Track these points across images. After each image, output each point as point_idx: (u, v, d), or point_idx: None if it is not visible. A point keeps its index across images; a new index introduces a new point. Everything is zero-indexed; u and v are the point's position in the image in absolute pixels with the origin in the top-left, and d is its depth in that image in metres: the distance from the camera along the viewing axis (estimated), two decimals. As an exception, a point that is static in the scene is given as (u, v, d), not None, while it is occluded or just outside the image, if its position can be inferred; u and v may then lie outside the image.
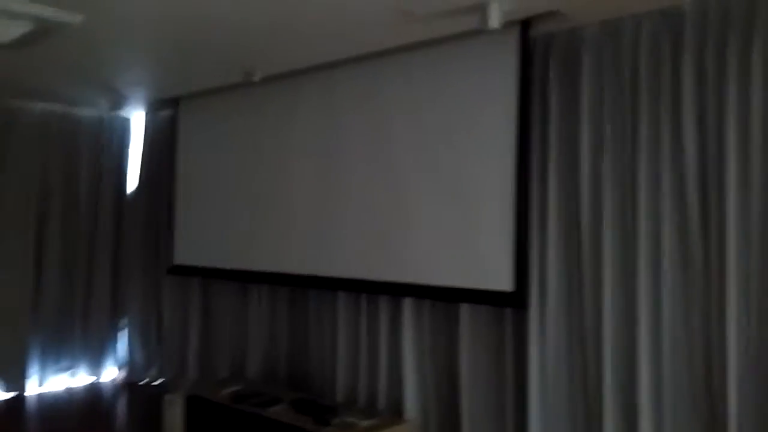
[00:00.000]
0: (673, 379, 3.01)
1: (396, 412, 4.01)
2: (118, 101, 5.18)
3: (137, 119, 6.11)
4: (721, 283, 2.87)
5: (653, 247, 3.08)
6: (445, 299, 3.74)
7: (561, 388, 3.38)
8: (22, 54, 3.92)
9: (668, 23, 3.07)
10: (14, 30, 3.50)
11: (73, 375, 5.80)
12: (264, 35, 3.58)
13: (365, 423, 3.79)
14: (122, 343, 6.03)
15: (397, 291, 3.87)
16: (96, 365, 5.95)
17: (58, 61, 4.14)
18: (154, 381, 5.83)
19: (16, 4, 3.14)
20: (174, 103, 5.45)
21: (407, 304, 3.99)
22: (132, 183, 6.11)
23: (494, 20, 3.05)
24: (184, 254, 5.31)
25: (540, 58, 3.53)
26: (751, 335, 2.80)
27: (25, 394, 5.42)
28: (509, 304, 3.43)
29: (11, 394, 5.36)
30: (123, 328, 6.03)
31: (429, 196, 3.71)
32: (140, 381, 5.86)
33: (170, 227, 5.49)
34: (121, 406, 5.34)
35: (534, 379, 3.41)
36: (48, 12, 3.24)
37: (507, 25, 3.16)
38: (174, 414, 4.43)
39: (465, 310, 3.74)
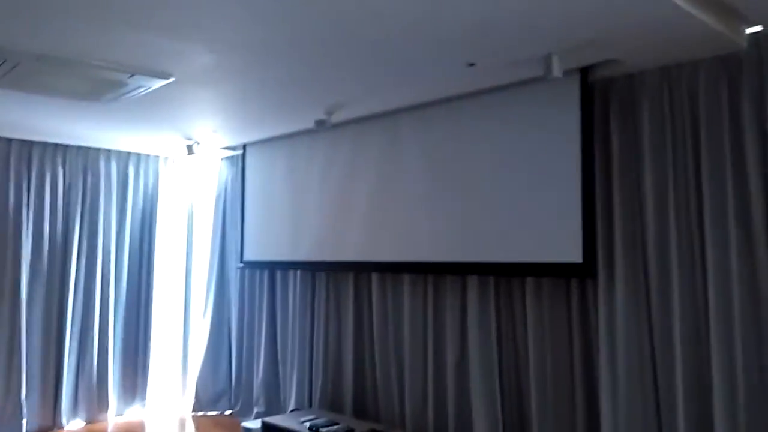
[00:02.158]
0: (744, 352, 3.07)
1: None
2: (190, 147, 5.50)
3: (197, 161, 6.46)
4: None
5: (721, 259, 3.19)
6: (517, 274, 3.96)
7: (632, 359, 3.46)
8: (109, 106, 4.26)
9: (726, 69, 3.21)
10: (113, 93, 3.85)
11: (145, 406, 6.09)
12: (337, 87, 3.84)
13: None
14: (191, 375, 6.30)
15: (466, 270, 4.12)
16: (165, 396, 6.23)
17: (138, 111, 4.45)
18: (224, 411, 6.08)
19: (119, 75, 3.48)
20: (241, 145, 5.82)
21: (473, 288, 4.22)
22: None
23: (557, 70, 3.26)
24: (252, 253, 5.77)
25: (600, 101, 3.70)
26: None
27: (104, 423, 5.74)
28: (580, 275, 3.63)
29: (92, 425, 5.68)
30: (192, 361, 6.31)
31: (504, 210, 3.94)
32: (210, 411, 6.11)
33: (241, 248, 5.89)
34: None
35: (604, 352, 3.53)
36: (144, 78, 3.57)
37: (567, 72, 3.35)
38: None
39: (530, 291, 3.93)
